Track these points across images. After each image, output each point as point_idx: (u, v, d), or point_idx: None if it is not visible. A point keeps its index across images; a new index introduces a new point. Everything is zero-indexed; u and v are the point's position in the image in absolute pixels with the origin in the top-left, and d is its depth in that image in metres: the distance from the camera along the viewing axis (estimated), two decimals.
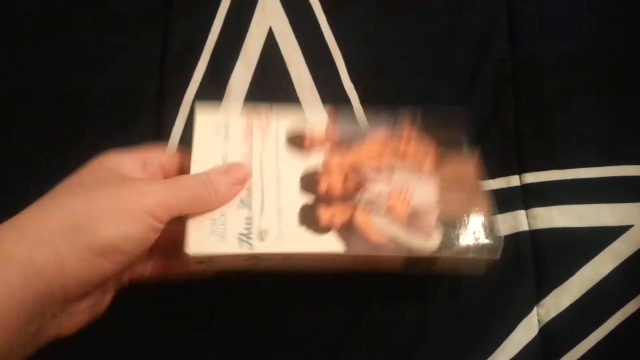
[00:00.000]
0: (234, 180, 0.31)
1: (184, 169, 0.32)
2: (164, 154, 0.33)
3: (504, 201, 0.39)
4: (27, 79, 0.42)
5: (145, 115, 0.40)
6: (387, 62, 0.42)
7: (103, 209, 0.27)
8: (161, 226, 0.28)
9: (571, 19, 0.43)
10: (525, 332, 0.36)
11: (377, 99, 0.41)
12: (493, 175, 0.39)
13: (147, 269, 0.32)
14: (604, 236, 0.37)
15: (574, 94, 0.41)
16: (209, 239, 0.29)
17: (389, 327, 0.36)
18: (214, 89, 0.41)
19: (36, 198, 0.30)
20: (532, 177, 0.39)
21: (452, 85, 0.42)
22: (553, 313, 0.36)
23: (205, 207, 0.30)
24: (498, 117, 0.41)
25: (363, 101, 0.41)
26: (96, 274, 0.27)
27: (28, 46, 0.42)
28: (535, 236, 0.38)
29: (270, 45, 0.42)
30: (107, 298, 0.31)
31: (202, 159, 0.31)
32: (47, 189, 0.31)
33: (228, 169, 0.31)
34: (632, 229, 0.37)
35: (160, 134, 0.40)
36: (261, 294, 0.37)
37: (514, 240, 0.38)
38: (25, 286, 0.24)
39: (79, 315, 0.29)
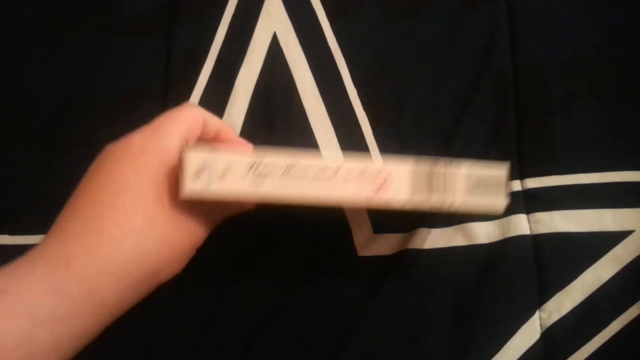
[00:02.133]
0: None
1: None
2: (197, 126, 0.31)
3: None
4: (32, 82, 0.42)
5: (150, 119, 0.40)
6: (390, 67, 0.42)
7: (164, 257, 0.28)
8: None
9: (572, 26, 0.43)
10: (528, 336, 0.36)
11: (380, 104, 0.42)
12: None
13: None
14: (605, 241, 0.38)
15: (575, 100, 0.41)
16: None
17: (389, 328, 0.37)
18: (218, 93, 0.41)
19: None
20: (533, 183, 0.39)
21: (453, 91, 0.42)
22: (555, 317, 0.36)
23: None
24: (499, 123, 0.41)
25: (366, 106, 0.41)
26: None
27: (33, 50, 0.42)
28: (537, 241, 0.38)
29: (275, 51, 0.42)
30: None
31: None
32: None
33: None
34: (633, 234, 0.38)
35: None
36: (260, 293, 0.37)
37: (516, 245, 0.38)
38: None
39: None
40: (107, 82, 0.42)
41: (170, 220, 0.28)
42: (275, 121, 0.41)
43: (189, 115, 0.30)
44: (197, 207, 0.29)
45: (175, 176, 0.28)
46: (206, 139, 0.32)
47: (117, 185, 0.28)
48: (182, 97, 0.41)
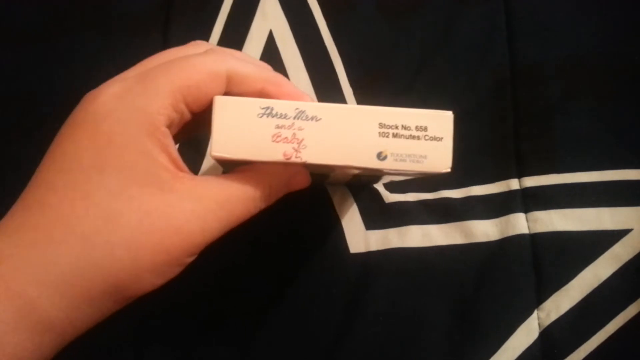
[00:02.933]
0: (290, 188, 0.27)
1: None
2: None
3: (504, 205, 0.39)
4: (28, 81, 0.41)
5: None
6: (386, 66, 0.42)
7: (146, 262, 0.22)
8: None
9: (570, 24, 0.43)
10: (526, 335, 0.36)
11: (376, 104, 0.41)
12: (493, 179, 0.40)
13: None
14: (603, 240, 0.38)
15: (573, 98, 0.41)
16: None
17: (384, 327, 0.36)
18: None
19: None
20: (531, 181, 0.39)
21: (450, 90, 0.42)
22: (554, 316, 0.36)
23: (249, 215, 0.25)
24: (497, 121, 0.41)
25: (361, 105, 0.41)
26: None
27: (28, 48, 0.42)
28: (535, 240, 0.38)
29: (270, 49, 0.42)
30: None
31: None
32: None
33: (289, 179, 0.27)
34: (631, 233, 0.38)
35: None
36: (251, 292, 0.37)
37: (514, 244, 0.38)
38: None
39: None
40: (103, 81, 0.41)
41: (146, 212, 0.21)
42: None
43: (194, 69, 0.23)
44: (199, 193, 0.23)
45: (163, 148, 0.22)
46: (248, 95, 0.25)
47: (71, 162, 0.22)
48: None
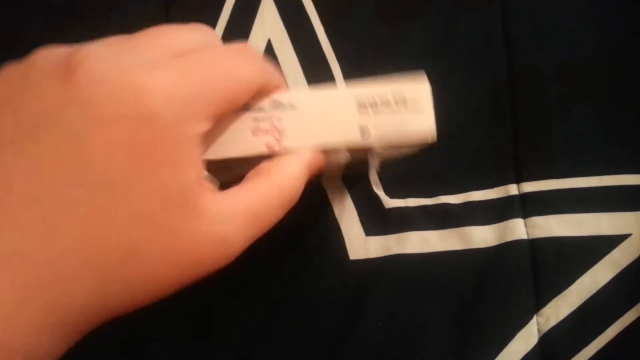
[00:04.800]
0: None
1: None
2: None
3: (502, 210, 0.39)
4: None
5: None
6: (384, 71, 0.42)
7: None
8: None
9: (568, 27, 0.43)
10: (525, 341, 0.36)
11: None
12: (491, 184, 0.40)
13: None
14: (602, 245, 0.37)
15: (571, 102, 0.41)
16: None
17: (384, 334, 0.37)
18: None
19: None
20: (530, 187, 0.39)
21: (448, 95, 0.42)
22: (553, 322, 0.36)
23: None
24: (495, 126, 0.41)
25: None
26: None
27: (25, 48, 0.42)
28: (534, 245, 0.38)
29: (269, 57, 0.42)
30: None
31: None
32: None
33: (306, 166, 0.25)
34: (630, 238, 0.38)
35: None
36: (251, 299, 0.37)
37: (513, 249, 0.38)
38: None
39: None
40: None
41: (172, 243, 0.18)
42: None
43: (238, 86, 0.21)
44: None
45: (195, 159, 0.20)
46: None
47: (95, 174, 0.17)
48: None
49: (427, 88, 0.26)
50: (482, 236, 0.38)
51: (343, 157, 0.27)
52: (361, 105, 0.26)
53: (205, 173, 0.20)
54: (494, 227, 0.39)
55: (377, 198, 0.39)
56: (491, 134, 0.41)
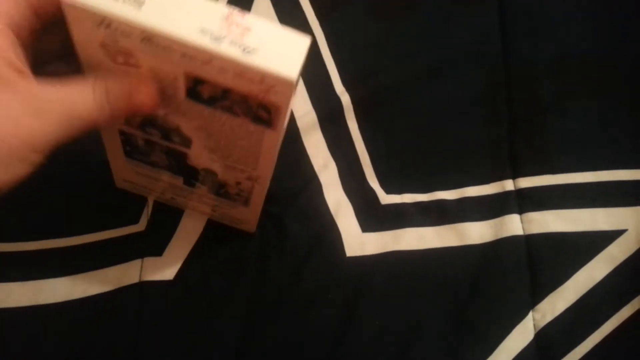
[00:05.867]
0: (135, 108, 0.26)
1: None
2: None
3: (498, 206, 0.39)
4: None
5: None
6: (379, 67, 0.42)
7: None
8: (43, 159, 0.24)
9: (564, 25, 0.43)
10: (521, 336, 0.36)
11: (368, 104, 0.41)
12: (487, 180, 0.40)
13: None
14: (598, 241, 0.38)
15: (567, 98, 0.41)
16: None
17: (381, 330, 0.36)
18: None
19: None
20: (526, 182, 0.39)
21: (444, 90, 0.42)
22: (549, 318, 0.36)
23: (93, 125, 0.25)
24: (491, 122, 0.41)
25: (354, 105, 0.41)
26: None
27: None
28: (530, 241, 0.38)
29: None
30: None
31: None
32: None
33: (130, 89, 0.25)
34: (626, 234, 0.38)
35: None
36: (250, 296, 0.37)
37: (509, 245, 0.38)
38: None
39: None
40: None
41: None
42: None
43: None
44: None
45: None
46: None
47: None
48: None
49: (307, 42, 0.24)
50: (478, 232, 0.38)
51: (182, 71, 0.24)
52: (228, 20, 0.23)
53: (21, 59, 0.23)
54: (490, 223, 0.38)
55: (373, 193, 0.39)
56: (487, 129, 0.41)
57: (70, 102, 0.24)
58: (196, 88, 0.25)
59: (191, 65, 0.24)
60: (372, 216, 0.39)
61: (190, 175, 0.33)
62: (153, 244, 0.36)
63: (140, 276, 0.36)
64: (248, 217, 0.36)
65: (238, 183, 0.32)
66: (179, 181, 0.34)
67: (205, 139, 0.29)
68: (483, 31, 0.43)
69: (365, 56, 0.42)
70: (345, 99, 0.41)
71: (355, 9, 0.43)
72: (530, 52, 0.42)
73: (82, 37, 0.24)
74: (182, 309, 0.36)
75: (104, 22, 0.23)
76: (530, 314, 0.37)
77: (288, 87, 0.23)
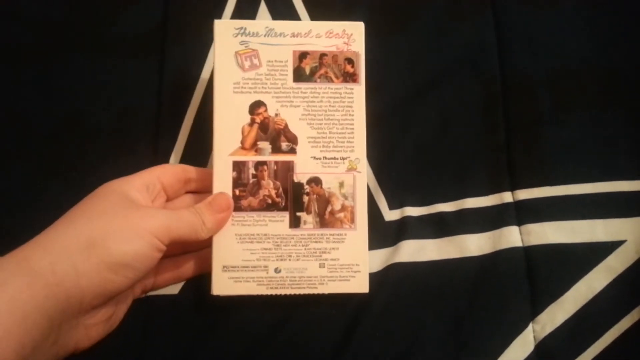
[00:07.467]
0: (218, 209, 0.34)
1: (186, 184, 0.37)
2: (166, 174, 0.36)
3: (497, 217, 0.39)
4: (24, 103, 0.42)
5: (143, 138, 0.41)
6: (376, 80, 0.43)
7: (115, 229, 0.30)
8: (164, 247, 0.32)
9: (560, 37, 0.43)
10: (522, 348, 0.36)
11: (369, 120, 0.42)
12: (486, 192, 0.40)
13: (156, 280, 0.36)
14: (597, 252, 0.38)
15: (564, 110, 0.41)
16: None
17: (381, 343, 0.37)
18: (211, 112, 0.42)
19: (35, 221, 0.31)
20: (524, 194, 0.39)
21: (441, 103, 0.42)
22: (549, 329, 0.36)
23: (198, 235, 0.33)
24: (489, 134, 0.41)
25: None
26: (109, 287, 0.30)
27: (25, 71, 0.42)
28: (529, 252, 0.38)
29: None
30: (121, 310, 0.34)
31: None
32: (46, 211, 0.31)
33: (212, 200, 0.35)
34: (625, 244, 0.38)
35: (158, 158, 0.40)
36: (256, 310, 0.37)
37: (508, 257, 0.38)
38: (49, 297, 0.27)
39: (94, 328, 0.32)
40: (99, 103, 0.42)
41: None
42: None
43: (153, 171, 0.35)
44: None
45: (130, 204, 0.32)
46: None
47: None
48: (175, 116, 0.41)
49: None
50: (477, 244, 0.39)
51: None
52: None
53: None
54: (489, 235, 0.39)
55: (377, 210, 0.40)
56: (485, 141, 0.41)
57: (176, 223, 0.32)
58: (300, 64, 0.36)
59: (297, 41, 0.36)
60: (377, 232, 0.39)
61: (297, 199, 0.36)
62: None
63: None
64: (358, 254, 0.36)
65: (341, 185, 0.36)
66: (284, 226, 0.36)
67: (308, 130, 0.36)
68: (480, 44, 0.43)
69: (365, 73, 0.43)
70: None
71: None
72: (526, 63, 0.42)
73: None
74: (186, 323, 0.37)
75: None
76: (530, 325, 0.37)
77: (360, 30, 0.37)
